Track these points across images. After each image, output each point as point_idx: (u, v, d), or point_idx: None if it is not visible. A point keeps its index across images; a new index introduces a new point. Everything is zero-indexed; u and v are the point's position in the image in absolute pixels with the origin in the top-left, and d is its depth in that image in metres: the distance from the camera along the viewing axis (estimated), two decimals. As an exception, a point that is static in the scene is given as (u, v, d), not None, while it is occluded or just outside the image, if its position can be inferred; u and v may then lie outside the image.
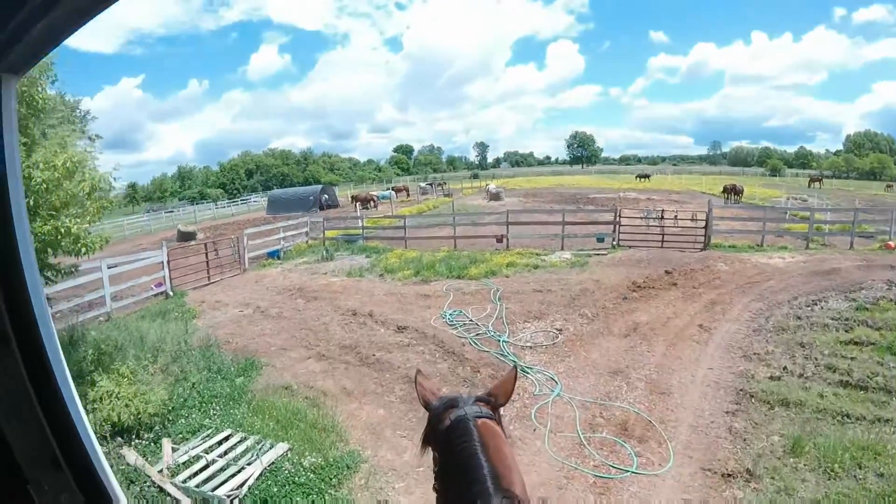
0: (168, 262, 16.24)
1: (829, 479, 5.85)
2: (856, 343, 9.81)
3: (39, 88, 7.03)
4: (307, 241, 24.02)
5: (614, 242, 19.47)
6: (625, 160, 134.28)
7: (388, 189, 54.97)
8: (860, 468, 5.98)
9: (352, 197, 45.03)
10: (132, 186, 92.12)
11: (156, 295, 15.75)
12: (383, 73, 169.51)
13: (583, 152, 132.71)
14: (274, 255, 21.33)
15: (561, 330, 10.77)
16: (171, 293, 15.94)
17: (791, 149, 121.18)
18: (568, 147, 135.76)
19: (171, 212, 56.52)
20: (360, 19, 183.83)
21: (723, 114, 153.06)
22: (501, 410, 1.84)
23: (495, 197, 42.82)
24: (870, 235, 21.60)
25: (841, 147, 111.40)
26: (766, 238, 20.05)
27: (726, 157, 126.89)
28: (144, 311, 14.01)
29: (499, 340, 10.34)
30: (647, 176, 69.71)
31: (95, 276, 13.46)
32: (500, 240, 19.94)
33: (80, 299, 13.27)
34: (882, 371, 8.50)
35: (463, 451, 1.59)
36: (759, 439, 6.72)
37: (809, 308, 12.25)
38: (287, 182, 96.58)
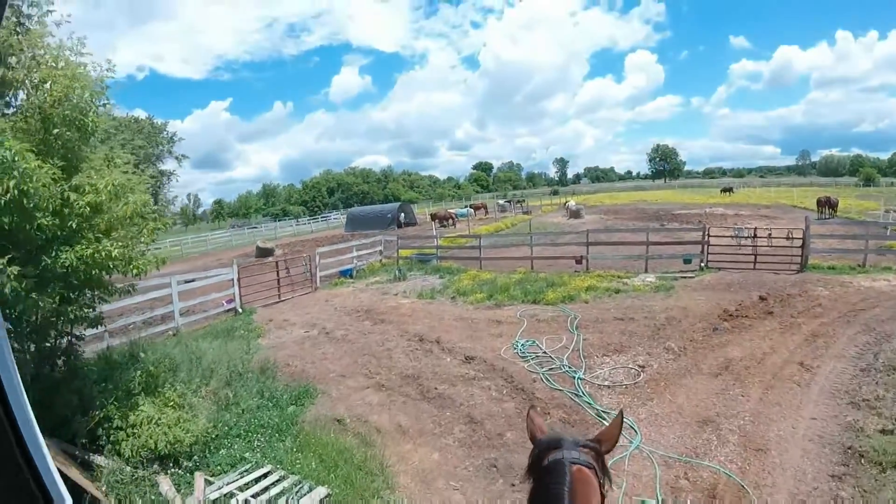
0: (239, 279, 16.13)
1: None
2: None
3: (91, 112, 6.78)
4: (381, 260, 23.65)
5: (702, 264, 17.90)
6: (709, 173, 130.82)
7: (466, 207, 54.61)
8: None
9: (430, 215, 44.80)
10: (218, 203, 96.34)
11: (226, 311, 15.70)
12: (461, 90, 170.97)
13: (665, 166, 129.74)
14: (346, 273, 21.00)
15: (643, 367, 9.59)
16: (240, 310, 15.81)
17: (884, 155, 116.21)
18: (650, 161, 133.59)
19: (255, 228, 58.61)
20: (437, 39, 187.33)
21: (810, 121, 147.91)
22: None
23: (575, 214, 41.59)
24: None
25: None
26: (868, 258, 18.04)
27: (816, 167, 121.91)
28: (211, 328, 13.85)
29: (573, 377, 9.25)
30: (730, 189, 66.19)
31: (167, 291, 13.50)
32: (579, 261, 18.85)
33: (152, 312, 13.30)
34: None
35: (551, 491, 1.66)
36: (869, 512, 5.57)
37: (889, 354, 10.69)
38: (367, 200, 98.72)
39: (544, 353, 10.53)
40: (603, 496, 1.71)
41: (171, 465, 6.78)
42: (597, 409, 7.93)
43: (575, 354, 10.39)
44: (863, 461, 6.44)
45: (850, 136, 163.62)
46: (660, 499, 5.88)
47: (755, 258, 17.78)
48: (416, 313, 14.19)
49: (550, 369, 9.68)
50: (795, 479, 6.16)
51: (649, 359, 9.94)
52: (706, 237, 18.00)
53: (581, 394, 8.60)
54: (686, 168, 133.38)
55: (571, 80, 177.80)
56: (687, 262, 18.05)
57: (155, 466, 6.66)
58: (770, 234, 18.54)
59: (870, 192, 66.65)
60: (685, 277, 16.74)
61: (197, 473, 6.57)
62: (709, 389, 8.59)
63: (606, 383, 9.03)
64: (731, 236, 19.10)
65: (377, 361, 10.66)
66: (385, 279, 19.61)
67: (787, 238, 18.27)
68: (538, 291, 15.20)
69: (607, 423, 7.46)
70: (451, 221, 42.13)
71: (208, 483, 6.40)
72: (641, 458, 6.77)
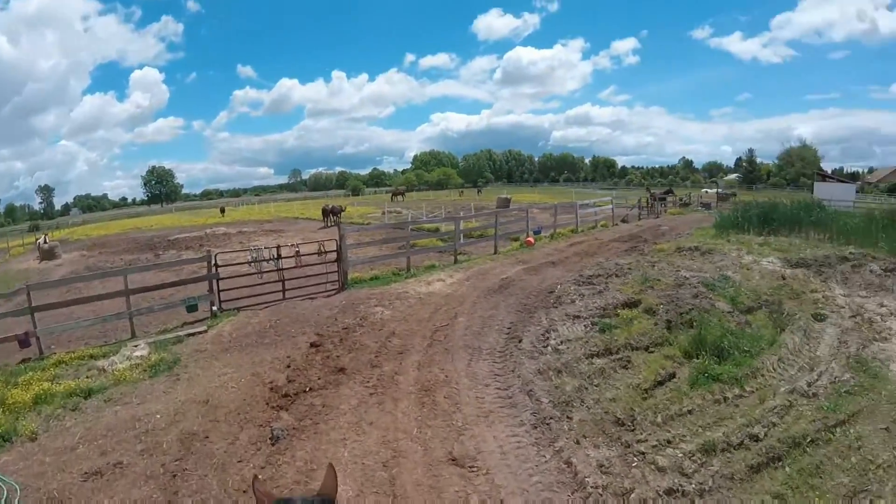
0: None
1: None
2: (660, 383, 7.34)
3: None
4: None
5: (214, 308, 12.61)
6: (207, 195, 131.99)
7: None
8: None
9: None
10: None
11: None
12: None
13: (161, 189, 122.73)
14: None
15: None
16: None
17: (364, 171, 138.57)
18: (145, 184, 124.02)
19: None
20: None
21: (301, 144, 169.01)
22: None
23: (48, 255, 31.35)
24: (490, 237, 20.38)
25: (408, 166, 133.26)
26: (400, 259, 16.39)
27: (306, 184, 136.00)
28: None
29: None
30: (222, 210, 63.88)
31: None
32: (24, 342, 11.13)
33: None
34: (742, 416, 6.45)
35: None
36: None
37: (552, 350, 8.70)
38: None
39: None
40: None
41: None
42: None
43: None
44: None
45: (336, 157, 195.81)
46: None
47: (283, 284, 13.69)
48: None
49: None
50: None
51: None
52: (213, 268, 12.82)
53: None
54: (184, 191, 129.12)
55: (70, 93, 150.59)
56: (191, 309, 12.41)
57: None
58: (298, 252, 14.77)
59: (359, 199, 79.50)
60: (194, 334, 11.28)
61: None
62: None
63: None
64: (249, 262, 14.53)
65: None
66: None
67: (319, 253, 14.83)
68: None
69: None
70: None
71: None
72: None
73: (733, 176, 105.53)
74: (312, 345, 9.40)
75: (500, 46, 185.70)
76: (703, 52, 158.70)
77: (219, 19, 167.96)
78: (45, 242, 35.54)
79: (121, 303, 12.09)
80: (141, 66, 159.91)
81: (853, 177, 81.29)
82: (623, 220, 28.38)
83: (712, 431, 6.06)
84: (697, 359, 7.92)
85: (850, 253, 15.45)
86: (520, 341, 8.92)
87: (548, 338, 8.99)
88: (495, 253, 18.24)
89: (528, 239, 20.01)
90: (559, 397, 6.75)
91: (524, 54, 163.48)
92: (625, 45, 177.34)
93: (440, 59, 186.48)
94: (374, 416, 6.52)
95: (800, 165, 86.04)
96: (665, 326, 9.27)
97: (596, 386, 7.19)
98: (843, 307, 11.01)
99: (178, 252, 25.80)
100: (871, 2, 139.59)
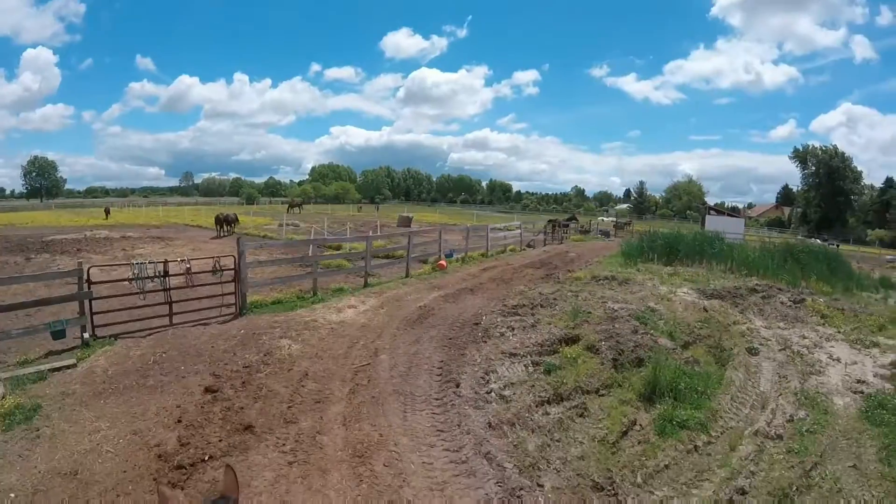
0: None
1: None
2: (624, 433, 6.75)
3: None
4: None
5: (87, 334, 10.19)
6: (91, 192, 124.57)
7: None
8: None
9: None
10: None
11: None
12: None
13: (42, 182, 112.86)
14: None
15: None
16: None
17: (259, 179, 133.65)
18: (25, 176, 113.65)
19: None
20: None
21: (196, 146, 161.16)
22: None
23: None
24: (398, 259, 19.40)
25: (305, 177, 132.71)
26: (313, 280, 14.68)
27: (199, 188, 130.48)
28: None
29: None
30: (107, 210, 55.82)
31: None
32: None
33: None
34: (720, 467, 6.14)
35: None
36: None
37: (496, 396, 7.55)
38: None
39: None
40: None
41: None
42: None
43: None
44: None
45: (231, 163, 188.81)
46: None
47: (171, 307, 11.74)
48: None
49: None
50: None
51: None
52: (86, 286, 10.42)
53: None
54: (67, 187, 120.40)
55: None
56: (58, 335, 9.98)
57: None
58: (190, 269, 12.85)
59: (254, 208, 75.70)
60: (60, 369, 8.88)
61: None
62: None
63: None
64: (130, 279, 12.26)
65: None
66: None
67: (215, 270, 12.97)
68: None
69: None
70: None
71: None
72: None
73: (624, 206, 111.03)
74: (208, 389, 7.64)
75: (406, 65, 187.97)
76: (599, 89, 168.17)
77: (123, 4, 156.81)
78: None
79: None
80: (35, 46, 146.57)
81: (735, 210, 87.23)
82: (529, 245, 28.31)
83: (699, 489, 5.66)
84: (654, 402, 7.60)
85: (757, 285, 15.81)
86: (457, 385, 7.76)
87: (488, 381, 7.93)
88: (407, 276, 17.20)
89: (441, 262, 19.07)
90: (523, 459, 5.70)
91: (429, 75, 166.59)
92: (526, 76, 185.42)
93: (345, 72, 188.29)
94: (299, 496, 5.06)
95: (686, 199, 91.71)
96: (612, 366, 8.72)
97: (558, 441, 6.27)
98: (770, 339, 11.02)
99: (52, 256, 22.64)
100: (758, 56, 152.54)
